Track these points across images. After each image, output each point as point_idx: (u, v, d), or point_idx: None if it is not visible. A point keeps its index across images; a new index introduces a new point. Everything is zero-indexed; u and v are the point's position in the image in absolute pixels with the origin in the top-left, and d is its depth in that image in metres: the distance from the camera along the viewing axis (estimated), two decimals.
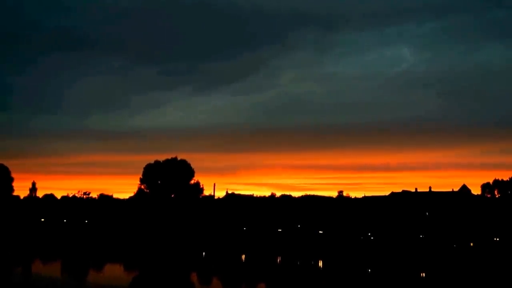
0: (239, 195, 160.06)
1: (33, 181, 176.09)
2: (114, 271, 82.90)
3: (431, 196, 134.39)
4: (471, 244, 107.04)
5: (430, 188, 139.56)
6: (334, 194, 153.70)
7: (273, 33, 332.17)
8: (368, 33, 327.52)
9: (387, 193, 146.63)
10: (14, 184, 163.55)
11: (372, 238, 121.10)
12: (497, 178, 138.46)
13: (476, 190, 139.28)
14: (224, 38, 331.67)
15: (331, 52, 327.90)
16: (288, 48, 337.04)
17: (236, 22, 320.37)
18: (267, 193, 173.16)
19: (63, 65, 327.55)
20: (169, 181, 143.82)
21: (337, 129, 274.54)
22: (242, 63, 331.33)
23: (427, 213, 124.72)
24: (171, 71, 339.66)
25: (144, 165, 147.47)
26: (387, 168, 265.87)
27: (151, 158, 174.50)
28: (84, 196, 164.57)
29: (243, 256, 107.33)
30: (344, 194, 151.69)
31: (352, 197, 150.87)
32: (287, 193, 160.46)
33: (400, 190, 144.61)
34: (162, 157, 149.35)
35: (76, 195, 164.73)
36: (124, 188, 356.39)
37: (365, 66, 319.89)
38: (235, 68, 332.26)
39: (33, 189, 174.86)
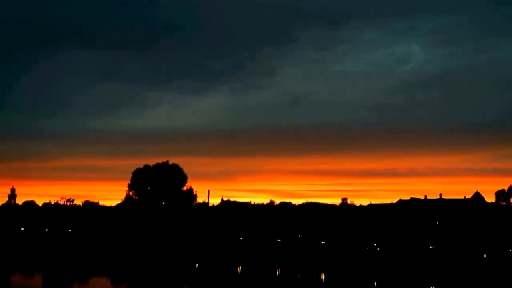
0: (235, 202, 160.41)
1: (12, 186, 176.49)
2: (100, 284, 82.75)
3: (441, 204, 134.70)
4: (485, 256, 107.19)
5: (440, 195, 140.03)
6: (337, 201, 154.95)
7: (273, 28, 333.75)
8: (375, 29, 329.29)
9: (394, 200, 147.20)
10: None
11: (378, 249, 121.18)
12: None
13: (490, 198, 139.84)
14: (221, 33, 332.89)
15: (335, 49, 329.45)
16: (289, 45, 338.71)
17: (234, 16, 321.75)
18: (265, 200, 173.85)
19: (42, 63, 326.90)
20: (159, 187, 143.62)
21: (342, 131, 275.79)
22: (240, 59, 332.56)
23: (437, 222, 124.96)
24: (163, 68, 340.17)
25: (132, 170, 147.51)
26: (394, 174, 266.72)
27: (140, 163, 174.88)
28: (68, 203, 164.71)
29: (240, 268, 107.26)
30: (348, 201, 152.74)
31: (357, 204, 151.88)
32: (287, 200, 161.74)
33: (408, 198, 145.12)
34: (152, 161, 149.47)
35: (59, 202, 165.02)
36: (111, 194, 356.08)
37: (372, 64, 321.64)
38: (232, 65, 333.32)
39: (12, 195, 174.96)
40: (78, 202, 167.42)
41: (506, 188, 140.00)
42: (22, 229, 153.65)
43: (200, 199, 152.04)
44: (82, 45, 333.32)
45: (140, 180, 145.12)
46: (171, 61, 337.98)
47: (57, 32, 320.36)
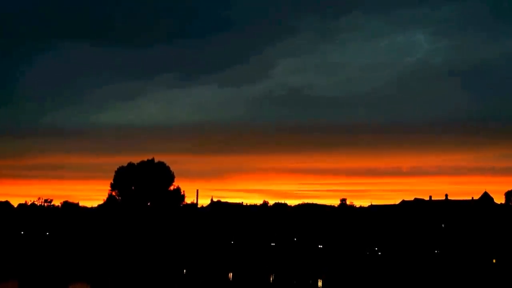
0: (226, 203, 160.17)
1: None
2: None
3: (447, 205, 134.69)
4: (494, 261, 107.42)
5: (446, 196, 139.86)
6: (336, 202, 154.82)
7: (267, 15, 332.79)
8: (377, 17, 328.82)
9: (397, 201, 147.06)
10: None
11: (379, 253, 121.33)
12: None
13: (499, 199, 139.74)
14: (210, 19, 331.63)
15: (335, 39, 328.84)
16: (285, 33, 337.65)
17: (223, 3, 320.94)
18: (258, 201, 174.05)
19: (13, 51, 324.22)
20: (144, 187, 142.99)
21: (341, 127, 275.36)
22: (232, 49, 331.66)
23: (443, 225, 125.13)
24: (148, 57, 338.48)
25: (115, 168, 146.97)
26: (397, 173, 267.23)
27: (123, 160, 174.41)
28: (45, 204, 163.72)
29: (231, 274, 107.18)
30: (348, 202, 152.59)
31: (357, 206, 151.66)
32: (282, 201, 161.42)
33: (412, 198, 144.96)
34: (136, 159, 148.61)
35: (36, 202, 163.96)
36: (92, 195, 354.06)
37: (373, 54, 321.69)
38: (223, 55, 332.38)
39: None
40: (57, 202, 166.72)
41: None
42: None
43: (188, 200, 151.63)
44: (58, 36, 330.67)
45: (124, 179, 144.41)
46: (157, 52, 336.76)
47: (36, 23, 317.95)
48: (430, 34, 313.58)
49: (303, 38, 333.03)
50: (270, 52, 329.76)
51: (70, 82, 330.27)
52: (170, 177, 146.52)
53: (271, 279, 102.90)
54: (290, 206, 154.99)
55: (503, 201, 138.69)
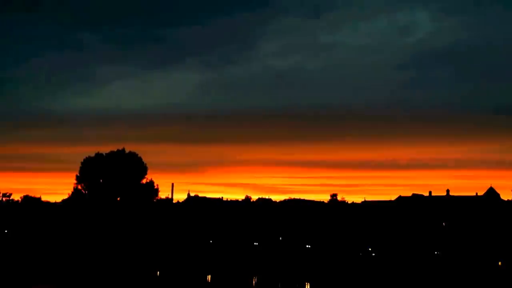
0: (204, 198, 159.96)
1: None
2: None
3: (449, 201, 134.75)
4: (500, 263, 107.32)
5: (448, 191, 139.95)
6: (326, 198, 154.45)
7: None
8: None
9: (393, 197, 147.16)
10: None
11: (373, 254, 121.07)
12: None
13: (506, 195, 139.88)
14: None
15: (327, 17, 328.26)
16: (271, 12, 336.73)
17: None
18: (240, 196, 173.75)
19: None
20: (114, 179, 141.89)
21: (332, 115, 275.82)
22: (212, 29, 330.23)
23: (444, 224, 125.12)
24: (119, 39, 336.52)
25: (81, 159, 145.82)
26: (393, 166, 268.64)
27: (91, 150, 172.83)
28: (4, 199, 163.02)
29: (209, 277, 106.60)
30: (339, 198, 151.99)
31: (349, 202, 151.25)
32: (266, 196, 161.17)
33: (409, 194, 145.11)
34: (105, 149, 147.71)
35: None
36: (56, 188, 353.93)
37: (369, 35, 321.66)
38: (202, 35, 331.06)
39: None
40: (16, 197, 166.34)
41: None
42: None
43: (162, 194, 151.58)
44: (22, 8, 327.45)
45: (91, 171, 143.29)
46: (129, 29, 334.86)
47: None
48: (433, 12, 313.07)
49: (291, 16, 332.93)
50: (255, 32, 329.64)
51: (31, 63, 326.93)
52: (143, 169, 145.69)
53: (253, 282, 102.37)
54: (275, 202, 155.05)
55: (510, 197, 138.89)
